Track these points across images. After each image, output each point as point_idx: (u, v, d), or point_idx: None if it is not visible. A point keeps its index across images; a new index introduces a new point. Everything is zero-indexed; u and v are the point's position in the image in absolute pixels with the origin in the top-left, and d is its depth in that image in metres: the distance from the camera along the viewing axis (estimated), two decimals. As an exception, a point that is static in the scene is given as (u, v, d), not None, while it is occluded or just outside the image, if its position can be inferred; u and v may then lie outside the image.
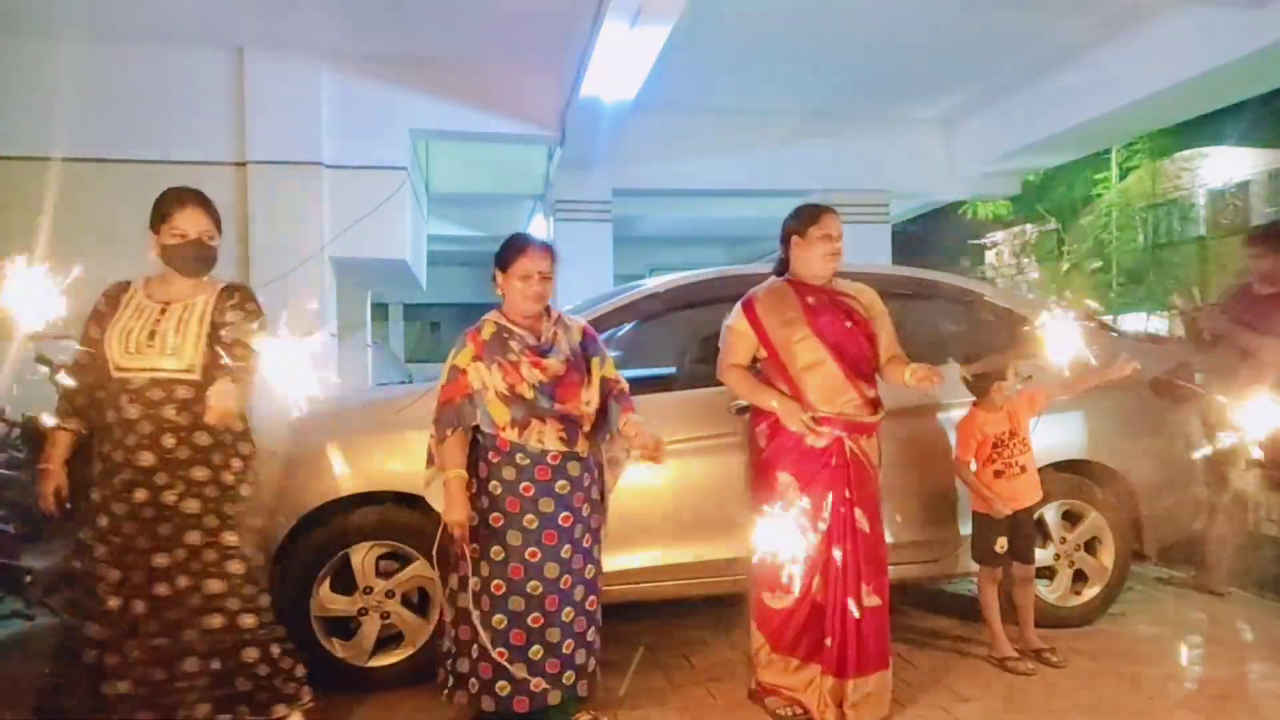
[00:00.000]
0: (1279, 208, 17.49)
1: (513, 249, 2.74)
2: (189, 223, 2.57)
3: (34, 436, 4.20)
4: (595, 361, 2.79)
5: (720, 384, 3.16)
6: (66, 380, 2.56)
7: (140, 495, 2.47)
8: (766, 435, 2.97)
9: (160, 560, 2.48)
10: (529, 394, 2.64)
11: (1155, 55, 6.72)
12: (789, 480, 2.88)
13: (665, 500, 3.38)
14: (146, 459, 2.48)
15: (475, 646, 2.65)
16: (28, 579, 3.58)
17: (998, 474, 3.34)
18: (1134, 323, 14.71)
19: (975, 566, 3.47)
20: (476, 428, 2.71)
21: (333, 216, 6.99)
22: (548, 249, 2.76)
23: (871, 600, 2.83)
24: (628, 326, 3.77)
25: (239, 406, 2.47)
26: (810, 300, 2.98)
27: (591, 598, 2.77)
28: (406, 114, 7.43)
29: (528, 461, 2.66)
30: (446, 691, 2.73)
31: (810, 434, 2.85)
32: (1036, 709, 2.99)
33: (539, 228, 10.92)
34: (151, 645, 2.47)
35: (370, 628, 3.20)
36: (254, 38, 6.92)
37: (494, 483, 2.68)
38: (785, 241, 3.06)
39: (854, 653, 2.79)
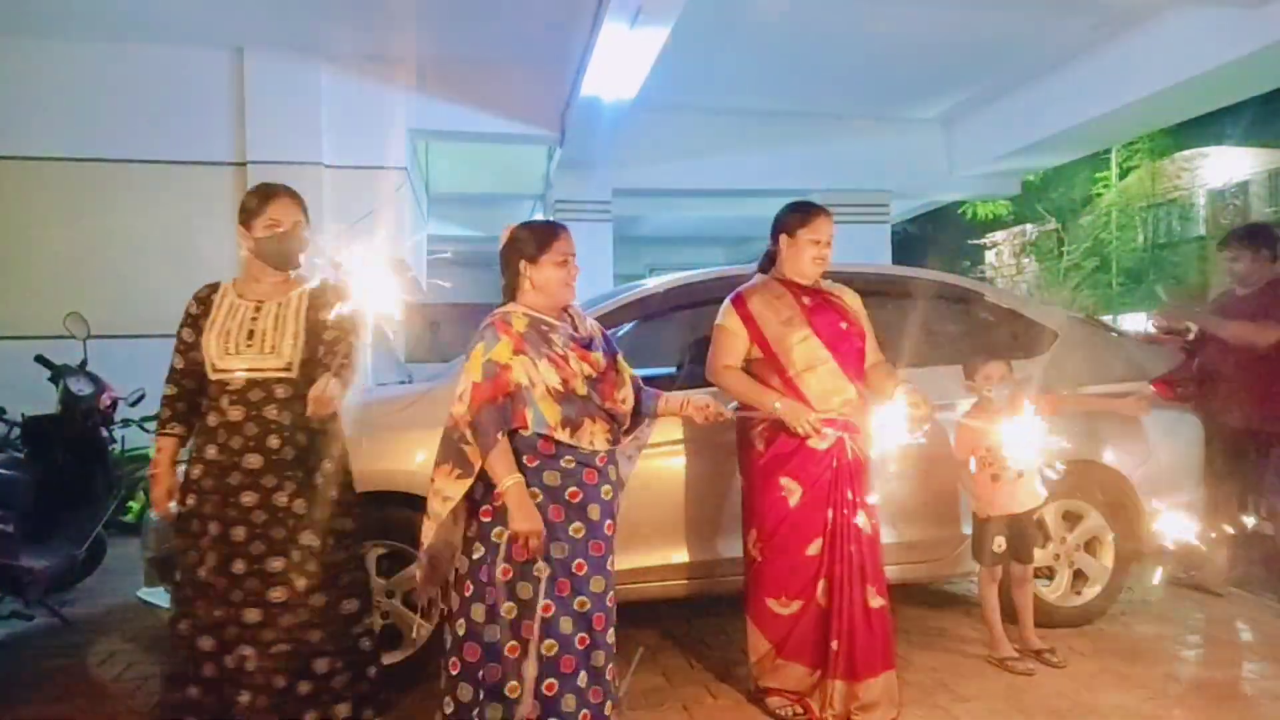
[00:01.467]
0: (1279, 208, 17.50)
1: (544, 235, 2.51)
2: (283, 212, 2.54)
3: (34, 436, 4.21)
4: (620, 359, 2.64)
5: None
6: (167, 388, 2.54)
7: (249, 499, 2.43)
8: (764, 439, 2.91)
9: (276, 564, 2.43)
10: (582, 390, 2.41)
11: (1155, 55, 6.72)
12: (792, 485, 2.85)
13: (662, 501, 3.37)
14: (254, 461, 2.44)
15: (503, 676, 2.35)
16: (28, 579, 3.58)
17: (994, 477, 3.33)
18: (1134, 323, 14.72)
19: (975, 566, 3.47)
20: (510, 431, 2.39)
21: (333, 216, 6.98)
22: (569, 230, 2.62)
23: (876, 601, 2.83)
24: (627, 326, 3.77)
25: (338, 403, 2.40)
26: (806, 300, 2.96)
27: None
28: (406, 114, 7.44)
29: (574, 464, 2.41)
30: None
31: (817, 436, 2.83)
32: (1036, 709, 2.98)
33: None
34: (272, 653, 2.41)
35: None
36: (254, 38, 6.94)
37: (533, 489, 2.36)
38: (775, 237, 3.03)
39: (863, 654, 2.78)
